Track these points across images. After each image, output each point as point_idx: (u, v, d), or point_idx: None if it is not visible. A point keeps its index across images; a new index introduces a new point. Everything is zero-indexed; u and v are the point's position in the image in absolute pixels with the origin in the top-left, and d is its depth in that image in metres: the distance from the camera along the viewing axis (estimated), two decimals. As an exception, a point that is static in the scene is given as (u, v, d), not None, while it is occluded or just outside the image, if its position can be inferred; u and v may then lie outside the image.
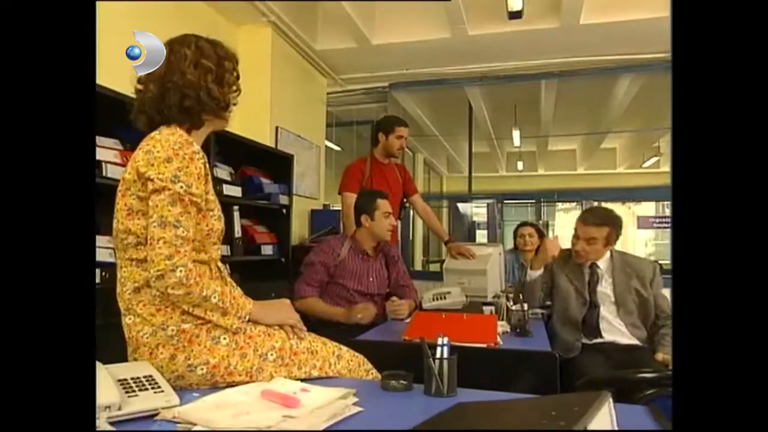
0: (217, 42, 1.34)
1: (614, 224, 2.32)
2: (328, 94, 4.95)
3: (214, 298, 1.19)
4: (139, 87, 1.28)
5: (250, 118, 3.58)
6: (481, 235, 8.36)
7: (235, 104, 1.36)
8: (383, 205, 2.58)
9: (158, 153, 1.17)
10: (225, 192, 2.92)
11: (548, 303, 2.46)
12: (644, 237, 10.91)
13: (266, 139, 3.75)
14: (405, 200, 3.41)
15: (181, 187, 1.16)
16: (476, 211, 8.77)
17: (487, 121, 7.15)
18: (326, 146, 5.08)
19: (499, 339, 1.77)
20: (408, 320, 2.30)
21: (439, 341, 1.19)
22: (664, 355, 2.13)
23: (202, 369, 1.18)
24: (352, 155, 6.78)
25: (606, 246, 2.31)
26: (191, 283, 1.14)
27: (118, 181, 1.25)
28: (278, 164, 3.61)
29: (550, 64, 4.70)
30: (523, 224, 3.93)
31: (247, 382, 1.19)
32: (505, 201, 10.14)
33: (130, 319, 1.21)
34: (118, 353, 1.21)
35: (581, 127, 8.41)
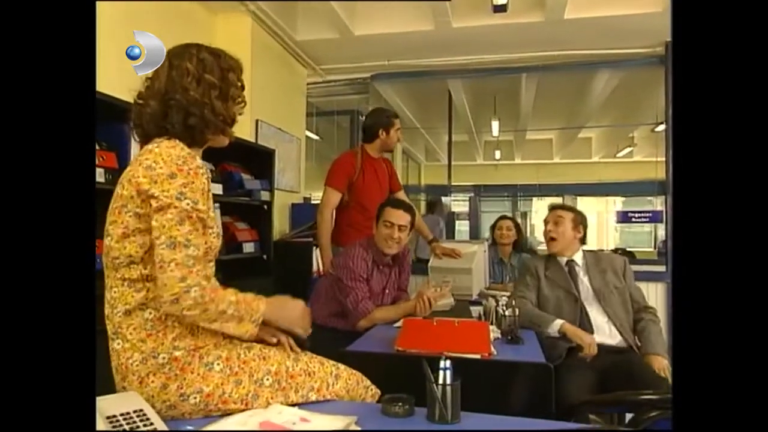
0: (219, 52, 1.27)
1: (578, 212, 2.46)
2: (308, 84, 4.84)
3: (230, 309, 1.15)
4: (140, 101, 1.23)
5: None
6: (461, 225, 8.39)
7: (240, 113, 1.30)
8: (386, 213, 2.44)
9: (161, 169, 1.11)
10: (205, 190, 2.83)
11: None
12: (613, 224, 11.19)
13: (246, 133, 3.64)
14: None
15: (188, 203, 1.10)
16: (455, 201, 8.78)
17: (467, 111, 7.13)
18: (306, 136, 4.98)
19: (492, 349, 1.75)
20: (397, 325, 2.27)
21: (442, 365, 1.15)
22: (653, 357, 2.14)
23: (195, 398, 1.12)
24: (333, 145, 6.70)
25: (574, 230, 2.39)
26: (207, 301, 1.10)
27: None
28: (259, 159, 3.52)
29: (532, 57, 4.68)
30: (503, 218, 3.94)
31: (243, 410, 1.14)
32: (484, 194, 10.24)
33: (118, 344, 1.14)
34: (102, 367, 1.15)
35: (559, 119, 8.46)
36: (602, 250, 3.24)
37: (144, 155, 1.15)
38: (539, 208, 11.17)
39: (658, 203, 8.31)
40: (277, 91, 4.19)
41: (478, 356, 1.68)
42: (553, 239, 2.39)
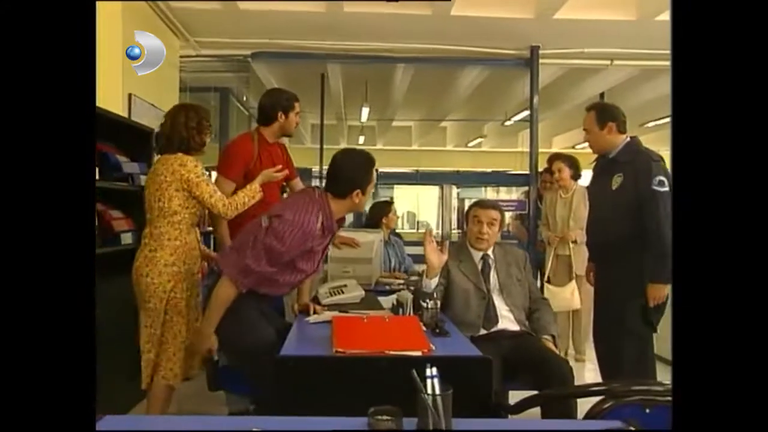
0: (198, 107, 2.50)
1: (502, 211, 2.56)
2: (180, 57, 4.43)
3: (246, 198, 2.44)
4: (160, 134, 2.44)
5: (100, 84, 3.03)
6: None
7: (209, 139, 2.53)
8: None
9: (193, 167, 2.32)
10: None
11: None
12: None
13: (118, 108, 3.23)
14: (285, 184, 3.19)
15: (206, 177, 2.38)
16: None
17: (340, 96, 7.09)
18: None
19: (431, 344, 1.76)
20: (312, 318, 2.20)
21: (428, 372, 1.13)
22: (546, 340, 2.35)
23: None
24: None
25: (499, 230, 2.49)
26: (236, 204, 2.40)
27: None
28: (135, 139, 3.14)
29: (414, 48, 4.78)
30: (392, 203, 4.13)
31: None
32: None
33: (156, 254, 2.32)
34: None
35: (425, 109, 8.80)
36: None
37: (176, 162, 2.31)
38: (400, 195, 11.58)
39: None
40: (149, 63, 3.76)
41: (419, 353, 1.69)
42: (484, 240, 2.44)
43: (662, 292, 2.50)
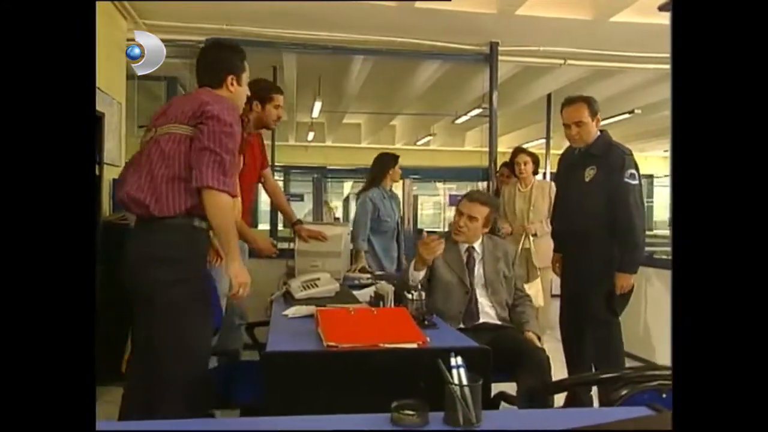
0: None
1: (496, 207, 2.49)
2: (128, 41, 4.14)
3: None
4: None
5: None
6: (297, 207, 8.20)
7: None
8: None
9: None
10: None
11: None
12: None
13: (63, 91, 2.96)
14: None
15: None
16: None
17: (294, 90, 6.89)
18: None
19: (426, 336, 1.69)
20: (291, 312, 2.09)
21: (453, 362, 1.06)
22: (528, 332, 2.33)
23: None
24: (141, 115, 5.88)
25: (484, 227, 2.40)
26: None
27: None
28: (83, 124, 2.89)
29: (375, 41, 4.70)
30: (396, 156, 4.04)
31: None
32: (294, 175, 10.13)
33: None
34: None
35: (377, 104, 8.71)
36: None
37: None
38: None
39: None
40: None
41: (414, 345, 1.61)
42: (460, 233, 2.36)
43: (629, 281, 2.55)
